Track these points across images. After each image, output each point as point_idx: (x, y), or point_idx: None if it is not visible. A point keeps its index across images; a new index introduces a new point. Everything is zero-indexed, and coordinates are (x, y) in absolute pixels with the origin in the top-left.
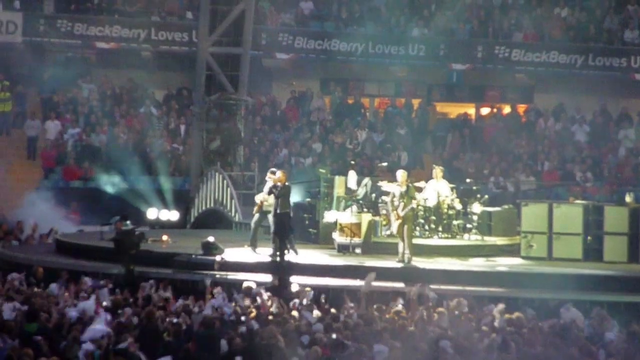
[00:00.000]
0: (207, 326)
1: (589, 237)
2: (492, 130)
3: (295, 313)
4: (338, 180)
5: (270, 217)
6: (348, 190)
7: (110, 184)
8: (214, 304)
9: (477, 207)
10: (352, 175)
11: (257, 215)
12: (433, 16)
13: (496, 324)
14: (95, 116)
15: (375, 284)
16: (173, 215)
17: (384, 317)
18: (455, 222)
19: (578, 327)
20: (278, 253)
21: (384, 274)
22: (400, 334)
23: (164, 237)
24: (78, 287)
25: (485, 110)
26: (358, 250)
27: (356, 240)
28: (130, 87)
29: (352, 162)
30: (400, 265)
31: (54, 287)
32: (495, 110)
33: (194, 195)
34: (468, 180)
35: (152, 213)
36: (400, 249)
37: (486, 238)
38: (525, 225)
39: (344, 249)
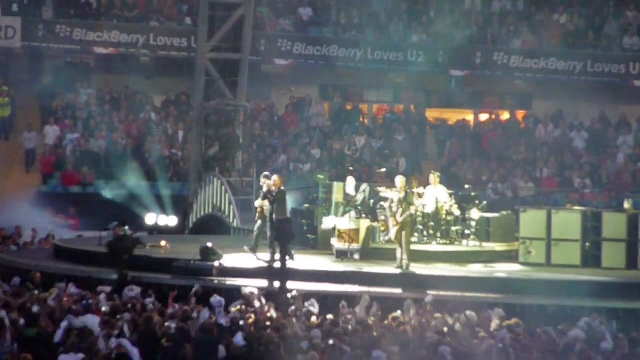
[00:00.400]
0: (206, 332)
1: (587, 244)
2: (491, 136)
3: (294, 319)
4: (336, 186)
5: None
6: (346, 196)
7: (108, 189)
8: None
9: (475, 213)
10: (351, 181)
11: (259, 222)
12: (432, 23)
13: (494, 329)
14: (94, 121)
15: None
16: (171, 220)
17: (382, 323)
18: (453, 228)
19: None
20: (276, 259)
21: (382, 280)
22: (398, 339)
23: (163, 243)
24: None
25: (483, 117)
26: (356, 256)
27: (354, 246)
28: (129, 93)
29: (351, 168)
30: (398, 271)
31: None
32: (493, 116)
33: (193, 200)
34: (466, 186)
35: (150, 218)
36: (399, 255)
37: (484, 244)
38: (524, 232)
39: (342, 255)
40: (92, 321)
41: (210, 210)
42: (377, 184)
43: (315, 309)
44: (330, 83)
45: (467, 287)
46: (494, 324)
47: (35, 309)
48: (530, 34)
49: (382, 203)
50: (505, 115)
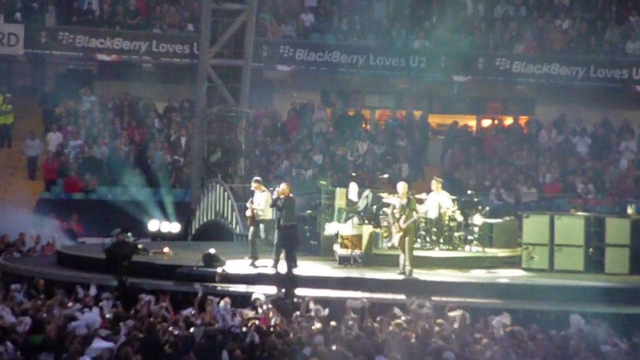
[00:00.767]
0: (209, 338)
1: (590, 249)
2: (493, 141)
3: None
4: (339, 192)
5: (262, 226)
6: (349, 202)
7: (111, 196)
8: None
9: (478, 219)
10: (353, 187)
11: (252, 228)
12: (434, 28)
13: (498, 335)
14: (96, 128)
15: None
16: (174, 227)
17: (385, 329)
18: (456, 234)
19: (579, 337)
20: (279, 265)
21: (385, 286)
22: (401, 345)
23: (165, 249)
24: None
25: (486, 122)
26: (359, 262)
27: (357, 252)
28: (132, 99)
29: (353, 174)
30: (401, 277)
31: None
32: (496, 122)
33: (195, 207)
34: (469, 192)
35: (153, 225)
36: (401, 261)
37: (487, 250)
38: (527, 237)
39: (345, 261)
40: (92, 318)
41: (213, 217)
42: (379, 190)
43: (323, 312)
44: (332, 89)
45: (470, 293)
46: (501, 329)
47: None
48: (532, 39)
49: (384, 209)
50: (507, 121)
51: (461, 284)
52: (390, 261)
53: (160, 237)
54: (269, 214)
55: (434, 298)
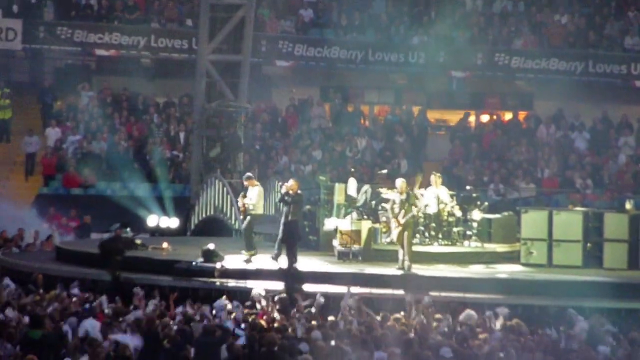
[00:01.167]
0: (208, 333)
1: (588, 244)
2: (492, 137)
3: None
4: (338, 187)
5: (249, 218)
6: (348, 198)
7: (110, 191)
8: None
9: (477, 214)
10: (352, 183)
11: (245, 222)
12: (433, 24)
13: (496, 329)
14: (95, 123)
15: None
16: (173, 222)
17: (383, 324)
18: (455, 229)
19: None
20: (282, 259)
21: (383, 281)
22: (400, 340)
23: (164, 245)
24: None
25: (485, 118)
26: (358, 258)
27: (356, 247)
28: (130, 95)
29: (352, 170)
30: (400, 272)
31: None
32: (495, 117)
33: (194, 202)
34: (468, 187)
35: (152, 220)
36: (400, 256)
37: (486, 245)
38: (525, 232)
39: (344, 256)
40: (92, 326)
41: (212, 212)
42: (378, 185)
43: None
44: (331, 84)
45: (469, 288)
46: (499, 323)
47: (40, 310)
48: (531, 34)
49: (383, 204)
50: (506, 116)
51: (460, 279)
52: (389, 256)
53: (159, 233)
54: (260, 208)
55: (433, 293)
